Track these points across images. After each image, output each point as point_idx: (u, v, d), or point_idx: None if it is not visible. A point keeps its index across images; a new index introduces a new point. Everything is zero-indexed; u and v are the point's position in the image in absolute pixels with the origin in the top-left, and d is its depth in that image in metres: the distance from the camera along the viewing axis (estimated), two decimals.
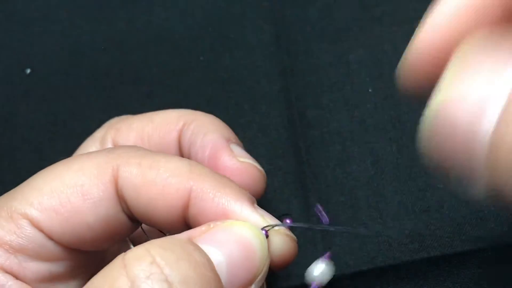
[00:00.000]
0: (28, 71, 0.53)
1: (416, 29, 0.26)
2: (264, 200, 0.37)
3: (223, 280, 0.29)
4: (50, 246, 0.32)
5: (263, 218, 0.32)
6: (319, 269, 0.34)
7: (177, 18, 0.54)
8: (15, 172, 0.49)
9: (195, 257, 0.28)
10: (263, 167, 0.39)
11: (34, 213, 0.32)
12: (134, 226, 0.35)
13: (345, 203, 0.45)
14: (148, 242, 0.29)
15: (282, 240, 0.33)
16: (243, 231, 0.31)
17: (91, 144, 0.42)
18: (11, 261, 0.31)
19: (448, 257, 0.42)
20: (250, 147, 0.48)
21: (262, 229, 0.32)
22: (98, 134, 0.42)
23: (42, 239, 0.32)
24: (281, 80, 0.51)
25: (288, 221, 0.34)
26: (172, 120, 0.40)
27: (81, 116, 0.51)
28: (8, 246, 0.31)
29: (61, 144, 0.50)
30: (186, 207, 0.32)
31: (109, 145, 0.40)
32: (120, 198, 0.33)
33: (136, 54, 0.53)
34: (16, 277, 0.31)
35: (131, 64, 0.53)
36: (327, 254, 0.34)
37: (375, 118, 0.48)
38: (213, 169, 0.35)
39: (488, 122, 0.22)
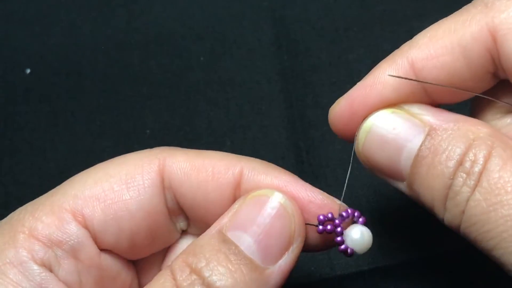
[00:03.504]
0: (28, 71, 0.53)
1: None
2: None
3: (257, 259, 0.30)
4: (88, 244, 0.31)
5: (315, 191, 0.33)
6: (358, 234, 0.32)
7: (177, 18, 0.54)
8: (15, 172, 0.49)
9: (224, 251, 0.29)
10: None
11: (77, 202, 0.31)
12: (173, 234, 0.34)
13: (345, 203, 0.45)
14: (184, 251, 0.30)
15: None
16: (260, 201, 0.31)
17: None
18: (50, 256, 0.31)
19: (449, 257, 0.42)
20: (250, 148, 0.48)
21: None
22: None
23: (81, 235, 0.31)
24: (281, 80, 0.51)
25: (361, 219, 0.33)
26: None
27: (81, 116, 0.51)
28: (46, 239, 0.31)
29: (61, 144, 0.50)
30: (237, 186, 0.32)
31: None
32: (167, 189, 0.33)
33: (136, 54, 0.53)
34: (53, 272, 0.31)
35: (131, 64, 0.53)
36: (362, 219, 0.33)
37: None
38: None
39: (414, 143, 0.31)
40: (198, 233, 0.34)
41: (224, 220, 0.31)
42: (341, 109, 0.34)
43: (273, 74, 0.51)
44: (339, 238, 0.32)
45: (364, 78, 0.34)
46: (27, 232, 0.31)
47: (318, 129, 0.49)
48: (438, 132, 0.31)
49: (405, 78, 0.32)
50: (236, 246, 0.29)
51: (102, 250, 0.32)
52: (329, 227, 0.32)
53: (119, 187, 0.32)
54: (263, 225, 0.30)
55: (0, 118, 0.52)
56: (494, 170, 0.29)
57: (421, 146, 0.31)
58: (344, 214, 0.33)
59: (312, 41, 0.52)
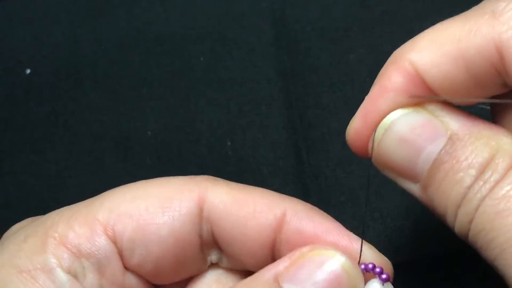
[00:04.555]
0: (28, 71, 0.53)
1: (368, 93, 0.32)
2: None
3: None
4: (114, 260, 0.31)
5: (358, 241, 0.31)
6: None
7: (177, 18, 0.54)
8: (15, 172, 0.49)
9: None
10: (263, 167, 0.39)
11: (110, 216, 0.31)
12: (201, 265, 0.33)
13: (345, 203, 0.45)
14: (235, 287, 0.30)
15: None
16: (329, 264, 0.29)
17: None
18: (77, 266, 0.30)
19: (449, 257, 0.42)
20: (250, 148, 0.48)
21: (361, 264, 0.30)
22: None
23: (109, 251, 0.31)
24: (281, 80, 0.51)
25: (383, 276, 0.31)
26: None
27: (81, 116, 0.51)
28: (76, 249, 0.30)
29: (61, 144, 0.50)
30: (279, 228, 0.31)
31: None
32: (204, 220, 0.32)
33: (136, 54, 0.53)
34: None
35: (131, 64, 0.53)
36: (385, 275, 0.31)
37: None
38: None
39: (435, 146, 0.30)
40: (227, 267, 0.33)
41: (280, 267, 0.29)
42: (356, 127, 0.33)
43: (273, 74, 0.51)
44: None
45: (372, 89, 0.32)
46: (58, 239, 0.30)
47: (318, 129, 0.49)
48: (461, 138, 0.29)
49: (430, 98, 0.31)
50: None
51: (127, 269, 0.32)
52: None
53: (154, 209, 0.31)
54: (319, 284, 0.29)
55: (0, 118, 0.52)
56: (509, 180, 0.28)
57: (441, 150, 0.29)
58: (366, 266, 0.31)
59: (312, 41, 0.52)
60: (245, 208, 0.31)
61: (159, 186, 0.32)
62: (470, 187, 0.28)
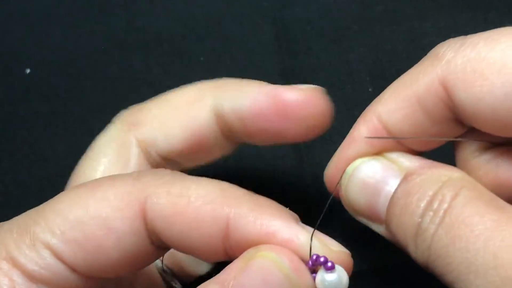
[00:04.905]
0: (28, 71, 0.53)
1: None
2: None
3: None
4: (72, 277, 0.31)
5: (308, 235, 0.30)
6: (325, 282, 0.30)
7: (177, 18, 0.54)
8: (15, 173, 0.49)
9: None
10: (263, 167, 0.39)
11: (57, 244, 0.30)
12: (161, 253, 0.33)
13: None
14: None
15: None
16: (267, 267, 0.29)
17: (107, 146, 0.39)
18: None
19: None
20: (250, 147, 0.48)
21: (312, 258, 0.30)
22: (113, 132, 0.39)
23: (64, 271, 0.31)
24: (281, 80, 0.51)
25: (328, 264, 0.30)
26: (196, 99, 0.38)
27: (81, 116, 0.51)
28: (30, 275, 0.30)
29: (61, 144, 0.50)
30: (226, 237, 0.30)
31: (134, 149, 0.38)
32: (150, 231, 0.31)
33: (136, 54, 0.53)
34: None
35: (131, 64, 0.53)
36: (330, 263, 0.30)
37: None
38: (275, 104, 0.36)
39: (391, 186, 0.33)
40: None
41: (232, 273, 0.29)
42: (330, 172, 0.37)
43: (273, 74, 0.51)
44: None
45: (345, 140, 0.37)
46: (11, 262, 0.30)
47: None
48: (414, 176, 0.33)
49: (380, 138, 0.35)
50: None
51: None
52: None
53: (99, 232, 0.30)
54: None
55: (0, 118, 0.52)
56: (457, 207, 0.30)
57: (397, 188, 0.33)
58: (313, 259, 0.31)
59: (312, 41, 0.52)
60: (186, 220, 0.30)
61: (99, 204, 0.31)
62: (421, 217, 0.31)
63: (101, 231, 0.30)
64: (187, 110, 0.38)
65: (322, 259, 0.30)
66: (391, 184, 0.33)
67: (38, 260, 0.30)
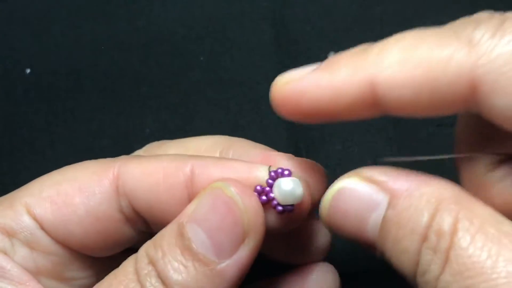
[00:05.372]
0: (28, 71, 0.53)
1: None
2: None
3: (210, 254, 0.29)
4: (42, 236, 0.33)
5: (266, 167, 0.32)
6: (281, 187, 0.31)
7: (177, 18, 0.54)
8: (15, 172, 0.49)
9: (179, 245, 0.30)
10: None
11: (31, 201, 0.33)
12: (132, 235, 0.35)
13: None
14: (151, 239, 0.31)
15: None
16: (214, 195, 0.30)
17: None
18: (5, 243, 0.33)
19: None
20: None
21: (272, 173, 0.31)
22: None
23: (34, 228, 0.33)
24: None
25: (285, 172, 0.31)
26: (209, 147, 0.38)
27: (81, 116, 0.51)
28: (3, 229, 0.33)
29: (61, 144, 0.50)
30: (189, 184, 0.32)
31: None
32: (121, 195, 0.33)
33: (136, 54, 0.53)
34: None
35: (131, 64, 0.53)
36: (287, 171, 0.31)
37: (375, 118, 0.48)
38: None
39: (378, 213, 0.29)
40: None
41: (189, 210, 0.31)
42: (288, 93, 0.31)
43: (273, 74, 0.51)
44: (267, 198, 0.31)
45: (321, 70, 0.30)
46: None
47: (318, 129, 0.49)
48: (400, 200, 0.28)
49: (400, 160, 0.30)
50: (190, 241, 0.30)
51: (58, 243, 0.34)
52: (264, 197, 0.31)
53: (71, 192, 0.33)
54: (215, 219, 0.30)
55: (0, 118, 0.52)
56: (462, 247, 0.26)
57: (384, 217, 0.29)
58: (272, 174, 0.32)
59: (312, 41, 0.52)
60: (154, 175, 0.33)
61: (77, 171, 0.34)
62: (418, 254, 0.27)
63: (73, 189, 0.33)
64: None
65: (279, 170, 0.32)
66: (378, 211, 0.29)
67: (12, 215, 0.33)
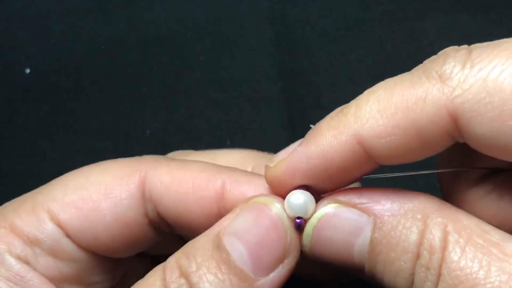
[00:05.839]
0: (28, 70, 0.53)
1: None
2: None
3: (248, 270, 0.28)
4: (66, 243, 0.32)
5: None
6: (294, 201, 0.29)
7: (177, 18, 0.54)
8: (15, 172, 0.49)
9: (216, 258, 0.29)
10: None
11: (55, 206, 0.32)
12: (155, 237, 0.34)
13: None
14: (180, 249, 0.30)
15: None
16: (258, 209, 0.29)
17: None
18: (27, 252, 0.31)
19: None
20: (250, 148, 0.48)
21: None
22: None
23: (59, 235, 0.32)
24: (281, 80, 0.51)
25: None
26: (239, 161, 0.37)
27: (81, 116, 0.51)
28: (26, 237, 0.31)
29: (61, 144, 0.50)
30: (220, 199, 0.32)
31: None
32: (147, 201, 0.32)
33: (136, 54, 0.53)
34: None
35: (131, 64, 0.53)
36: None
37: None
38: None
39: (364, 238, 0.28)
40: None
41: (225, 222, 0.30)
42: (281, 173, 0.30)
43: (273, 74, 0.51)
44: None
45: (306, 143, 0.30)
46: (8, 228, 0.32)
47: None
48: (385, 220, 0.28)
49: (379, 176, 0.30)
50: (228, 254, 0.28)
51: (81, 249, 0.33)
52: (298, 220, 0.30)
53: (97, 197, 0.32)
54: (257, 234, 0.29)
55: (0, 118, 0.52)
56: (453, 260, 0.26)
57: (371, 240, 0.28)
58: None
59: (312, 41, 0.52)
60: (184, 184, 0.32)
61: (101, 173, 0.33)
62: (412, 274, 0.27)
63: (98, 195, 0.32)
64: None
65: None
66: (364, 235, 0.28)
67: (35, 222, 0.32)
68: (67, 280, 0.33)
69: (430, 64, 0.28)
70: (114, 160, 0.34)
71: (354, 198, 0.29)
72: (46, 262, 0.32)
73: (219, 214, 0.31)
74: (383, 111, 0.28)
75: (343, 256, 0.29)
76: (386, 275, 0.28)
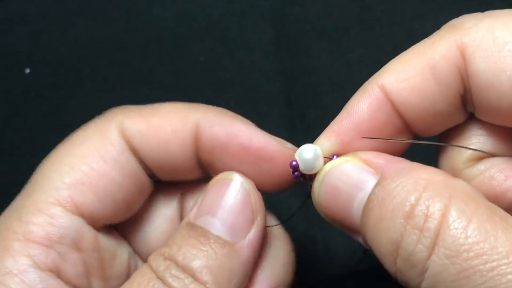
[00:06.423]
0: (28, 70, 0.53)
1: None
2: (264, 200, 0.37)
3: (225, 236, 0.31)
4: (87, 231, 0.32)
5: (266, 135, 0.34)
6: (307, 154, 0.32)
7: (177, 18, 0.54)
8: (15, 172, 0.49)
9: (193, 235, 0.31)
10: None
11: (63, 194, 0.32)
12: (151, 185, 0.35)
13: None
14: (165, 242, 0.32)
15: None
16: (223, 185, 0.32)
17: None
18: (53, 256, 0.31)
19: None
20: None
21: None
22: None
23: (79, 224, 0.32)
24: (281, 80, 0.51)
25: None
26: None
27: (81, 116, 0.51)
28: (45, 240, 0.30)
29: None
30: (197, 139, 0.33)
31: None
32: (134, 151, 0.34)
33: (136, 54, 0.53)
34: (58, 274, 0.31)
35: (131, 64, 0.53)
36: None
37: None
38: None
39: (365, 192, 0.28)
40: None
41: (191, 213, 0.32)
42: (330, 144, 0.33)
43: (273, 74, 0.51)
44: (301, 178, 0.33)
45: (341, 112, 0.33)
46: (22, 239, 0.30)
47: (318, 129, 0.48)
48: (389, 180, 0.28)
49: (379, 138, 0.31)
50: (203, 229, 0.31)
51: (99, 231, 0.33)
52: (296, 173, 0.33)
53: (97, 165, 0.32)
54: (227, 206, 0.32)
55: (0, 118, 0.52)
56: (458, 228, 0.25)
57: (370, 195, 0.28)
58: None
59: (312, 41, 0.52)
60: (162, 131, 0.33)
61: (83, 143, 0.33)
62: (401, 235, 0.26)
63: (97, 162, 0.33)
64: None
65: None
66: (365, 190, 0.29)
67: (49, 220, 0.31)
68: (93, 274, 0.33)
69: (449, 22, 0.31)
70: (83, 128, 0.35)
71: (372, 157, 0.30)
72: (72, 258, 0.31)
73: (197, 157, 0.34)
74: (403, 61, 0.31)
75: (343, 210, 0.30)
76: (374, 234, 0.28)
